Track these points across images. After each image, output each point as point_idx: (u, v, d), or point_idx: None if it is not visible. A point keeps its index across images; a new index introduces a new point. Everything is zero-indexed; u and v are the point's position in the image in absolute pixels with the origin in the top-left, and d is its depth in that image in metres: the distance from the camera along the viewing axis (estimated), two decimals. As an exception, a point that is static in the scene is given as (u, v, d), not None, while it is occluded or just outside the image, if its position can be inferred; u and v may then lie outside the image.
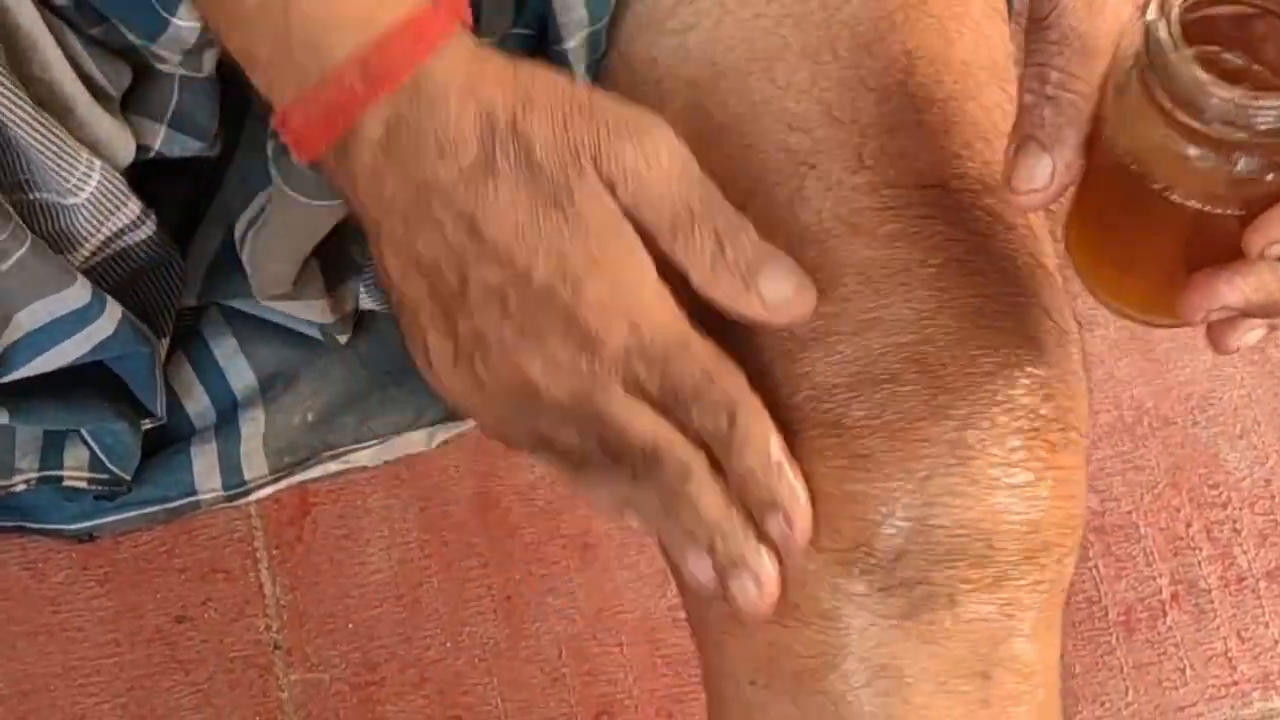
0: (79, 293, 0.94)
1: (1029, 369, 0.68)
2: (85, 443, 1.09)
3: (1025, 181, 0.63)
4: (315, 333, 1.11)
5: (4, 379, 0.97)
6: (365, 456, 1.13)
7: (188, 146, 0.97)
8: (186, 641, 1.09)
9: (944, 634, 0.67)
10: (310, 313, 1.08)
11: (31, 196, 0.92)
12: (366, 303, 1.13)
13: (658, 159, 0.66)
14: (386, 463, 1.14)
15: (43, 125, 0.88)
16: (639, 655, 1.10)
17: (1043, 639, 0.69)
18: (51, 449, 1.09)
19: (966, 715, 0.68)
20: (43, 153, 0.89)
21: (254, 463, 1.12)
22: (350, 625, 1.10)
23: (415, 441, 1.13)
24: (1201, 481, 1.15)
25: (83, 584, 1.10)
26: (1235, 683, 1.11)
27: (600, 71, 0.79)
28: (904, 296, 0.68)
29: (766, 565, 0.67)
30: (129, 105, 0.94)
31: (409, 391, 1.14)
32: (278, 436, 1.12)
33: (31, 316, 0.94)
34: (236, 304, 1.11)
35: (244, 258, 1.02)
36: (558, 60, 0.79)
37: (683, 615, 0.76)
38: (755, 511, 0.66)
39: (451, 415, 1.15)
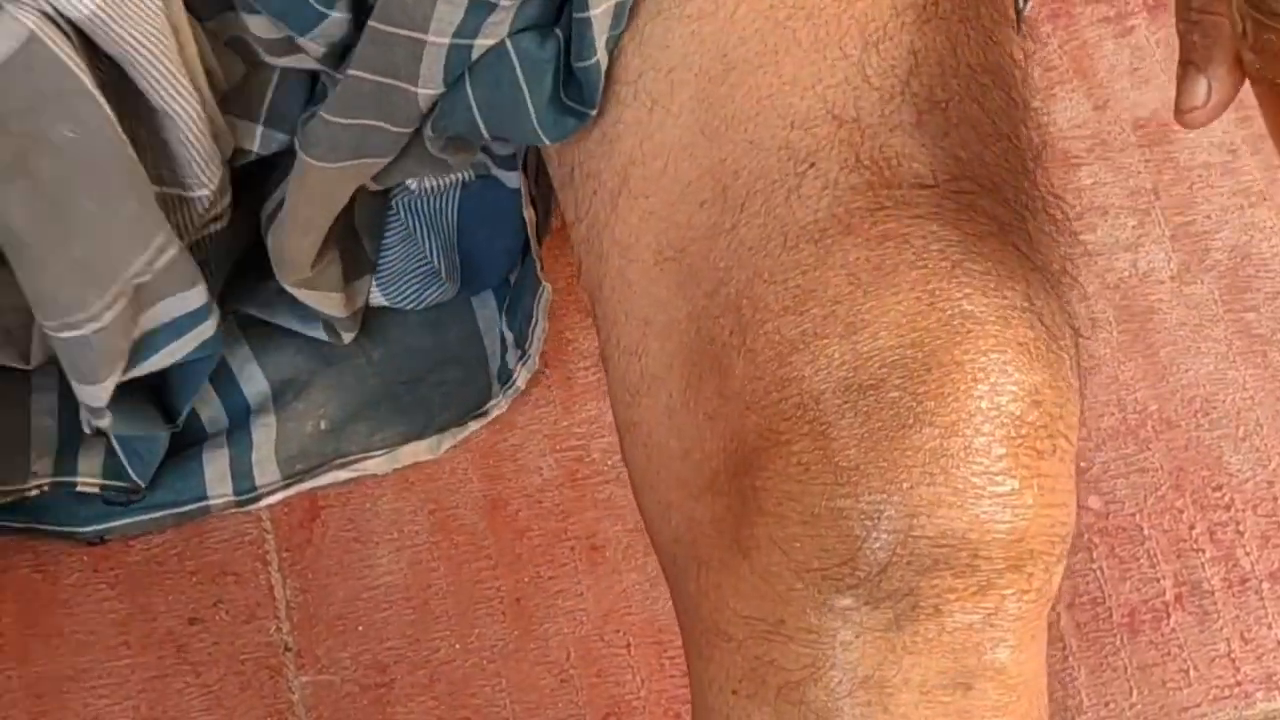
0: (199, 294, 0.93)
1: (1016, 375, 0.68)
2: (112, 449, 1.08)
3: (1187, 101, 0.67)
4: (321, 332, 1.11)
5: (129, 375, 0.96)
6: (374, 465, 1.13)
7: (282, 143, 0.95)
8: (198, 644, 1.10)
9: (927, 644, 0.67)
10: (327, 304, 1.08)
11: (158, 191, 0.88)
12: (378, 299, 1.13)
13: None
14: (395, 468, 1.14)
15: (201, 119, 0.85)
16: (647, 657, 1.10)
17: (1027, 649, 0.69)
18: (66, 453, 1.09)
19: (948, 726, 0.69)
20: (194, 146, 0.86)
21: (265, 469, 1.12)
22: (360, 627, 1.10)
23: (422, 450, 1.13)
24: (1205, 484, 1.14)
25: (94, 586, 1.10)
26: (1239, 683, 1.11)
27: (613, 49, 0.79)
28: (892, 298, 0.68)
29: None
30: (222, 106, 0.91)
31: (420, 399, 1.14)
32: (289, 443, 1.12)
33: (153, 315, 0.92)
34: (252, 310, 1.11)
35: (268, 241, 1.01)
36: (578, 29, 0.78)
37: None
38: None
39: (458, 422, 1.15)
